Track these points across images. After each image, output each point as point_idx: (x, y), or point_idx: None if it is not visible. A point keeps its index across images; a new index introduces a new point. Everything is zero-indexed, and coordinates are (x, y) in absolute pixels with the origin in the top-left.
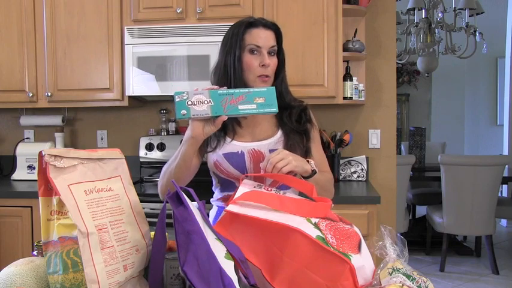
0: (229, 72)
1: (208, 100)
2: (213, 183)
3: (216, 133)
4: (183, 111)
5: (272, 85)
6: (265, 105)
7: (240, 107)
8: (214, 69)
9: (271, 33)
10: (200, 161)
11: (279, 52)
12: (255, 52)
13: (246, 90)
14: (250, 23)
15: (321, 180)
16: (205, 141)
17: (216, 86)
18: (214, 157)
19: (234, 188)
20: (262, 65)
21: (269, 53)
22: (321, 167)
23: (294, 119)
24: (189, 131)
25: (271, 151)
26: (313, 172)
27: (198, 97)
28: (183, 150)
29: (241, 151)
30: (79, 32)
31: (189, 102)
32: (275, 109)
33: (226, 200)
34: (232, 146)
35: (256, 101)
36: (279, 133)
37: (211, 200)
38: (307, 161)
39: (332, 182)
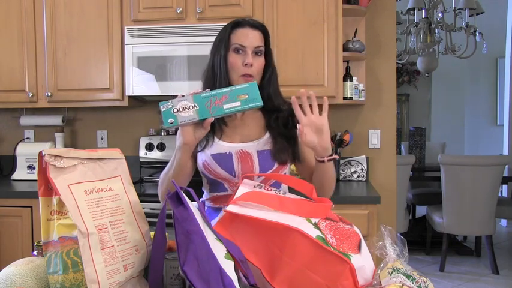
0: (216, 72)
1: (193, 105)
2: (203, 183)
3: None
4: (170, 120)
5: (259, 86)
6: (249, 100)
7: (224, 106)
8: (204, 71)
9: (258, 33)
10: (195, 163)
11: (267, 53)
12: (240, 51)
13: (228, 89)
14: (237, 23)
15: (331, 172)
16: None
17: (200, 90)
18: (203, 157)
19: (223, 189)
20: (245, 64)
21: (255, 53)
22: None
23: (281, 123)
24: (180, 138)
25: (259, 152)
26: (333, 159)
27: (183, 103)
28: (178, 157)
29: (229, 152)
30: (79, 32)
31: (175, 110)
32: (259, 103)
33: (214, 200)
34: (220, 146)
35: (240, 97)
36: (267, 135)
37: (200, 200)
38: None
39: (335, 180)
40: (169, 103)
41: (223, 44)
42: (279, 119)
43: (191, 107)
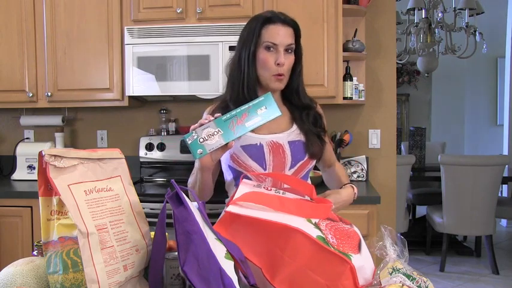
0: (243, 68)
1: (216, 130)
2: (226, 182)
3: None
4: (199, 150)
5: (288, 82)
6: (268, 113)
7: (246, 124)
8: (229, 62)
9: (289, 30)
10: (217, 168)
11: (297, 50)
12: (271, 49)
13: (246, 106)
14: (269, 19)
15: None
16: None
17: (218, 114)
18: (231, 150)
19: None
20: (278, 64)
21: (286, 50)
22: (334, 161)
23: (311, 120)
24: (198, 161)
25: (290, 143)
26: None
27: (207, 131)
28: (200, 178)
29: (260, 143)
30: (79, 32)
31: (201, 140)
32: (279, 113)
33: None
34: (250, 138)
35: (259, 112)
36: (294, 126)
37: (226, 200)
38: (352, 189)
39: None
40: (193, 134)
41: (253, 39)
42: (309, 116)
43: (215, 133)
